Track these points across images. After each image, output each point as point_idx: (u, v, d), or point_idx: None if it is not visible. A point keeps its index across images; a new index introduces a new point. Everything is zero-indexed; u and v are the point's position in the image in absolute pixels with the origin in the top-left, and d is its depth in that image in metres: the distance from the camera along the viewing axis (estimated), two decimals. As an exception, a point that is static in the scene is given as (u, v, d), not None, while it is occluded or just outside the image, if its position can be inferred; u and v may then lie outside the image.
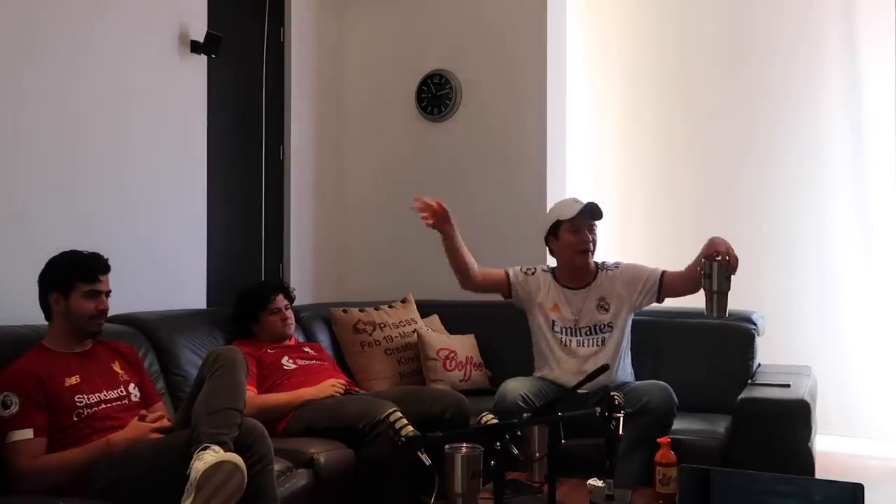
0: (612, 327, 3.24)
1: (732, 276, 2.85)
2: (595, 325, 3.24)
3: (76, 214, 3.18)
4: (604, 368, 2.55)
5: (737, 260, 2.85)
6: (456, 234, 3.21)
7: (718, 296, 2.84)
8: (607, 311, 3.25)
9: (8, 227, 2.94)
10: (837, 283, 4.73)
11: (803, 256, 4.79)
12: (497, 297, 3.42)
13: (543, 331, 3.30)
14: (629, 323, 3.31)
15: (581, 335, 3.24)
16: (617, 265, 3.35)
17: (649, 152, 5.14)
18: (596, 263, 3.34)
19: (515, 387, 3.06)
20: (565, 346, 3.24)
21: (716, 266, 2.84)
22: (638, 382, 3.17)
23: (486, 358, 3.91)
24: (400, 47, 4.69)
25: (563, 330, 3.26)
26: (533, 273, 3.36)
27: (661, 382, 3.03)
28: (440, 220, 3.15)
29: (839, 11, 4.74)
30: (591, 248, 3.28)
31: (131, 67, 3.43)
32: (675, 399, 2.97)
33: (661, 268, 3.28)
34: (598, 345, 3.22)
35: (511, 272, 3.37)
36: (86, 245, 2.60)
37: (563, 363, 3.22)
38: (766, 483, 1.99)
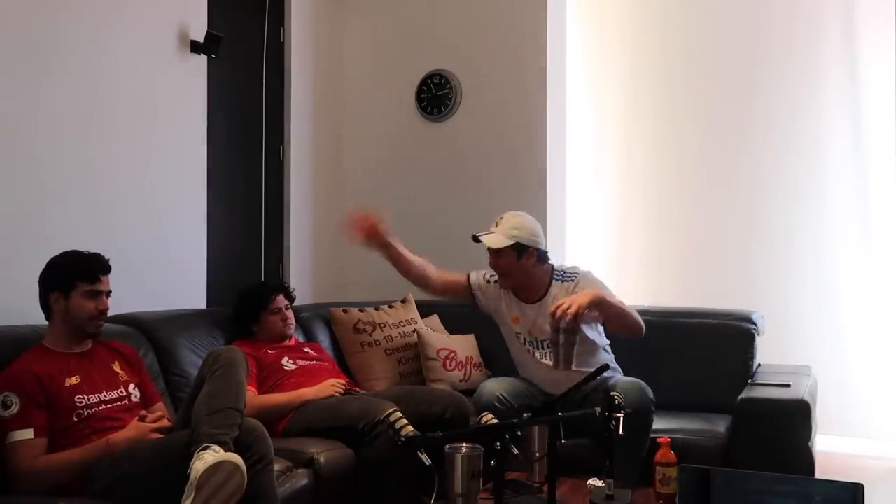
0: None
1: (573, 335, 2.78)
2: (548, 339, 3.06)
3: (75, 214, 3.18)
4: (604, 368, 2.56)
5: (564, 315, 2.76)
6: (396, 246, 3.22)
7: (554, 347, 2.83)
8: None
9: (7, 227, 2.94)
10: (837, 283, 4.73)
11: (803, 256, 4.79)
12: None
13: (512, 339, 3.29)
14: (592, 328, 3.18)
15: (543, 347, 3.17)
16: (575, 277, 3.19)
17: (649, 152, 5.13)
18: (552, 272, 3.23)
19: (493, 387, 3.07)
20: (532, 356, 3.22)
21: (557, 325, 2.80)
22: (614, 380, 3.08)
23: (486, 358, 3.91)
24: (400, 47, 4.69)
25: (527, 342, 3.23)
26: (496, 281, 3.29)
27: (636, 380, 3.00)
28: (374, 235, 3.17)
29: (839, 9, 4.73)
30: (501, 273, 3.18)
31: (131, 67, 3.43)
32: (651, 396, 2.95)
33: (621, 298, 3.11)
34: None
35: (473, 277, 3.32)
36: (85, 245, 2.60)
37: (536, 370, 3.21)
38: (766, 483, 1.99)
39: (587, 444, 2.71)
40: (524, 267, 3.14)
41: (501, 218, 3.18)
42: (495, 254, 3.14)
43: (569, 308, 2.77)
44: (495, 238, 3.12)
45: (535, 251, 3.15)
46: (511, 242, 3.10)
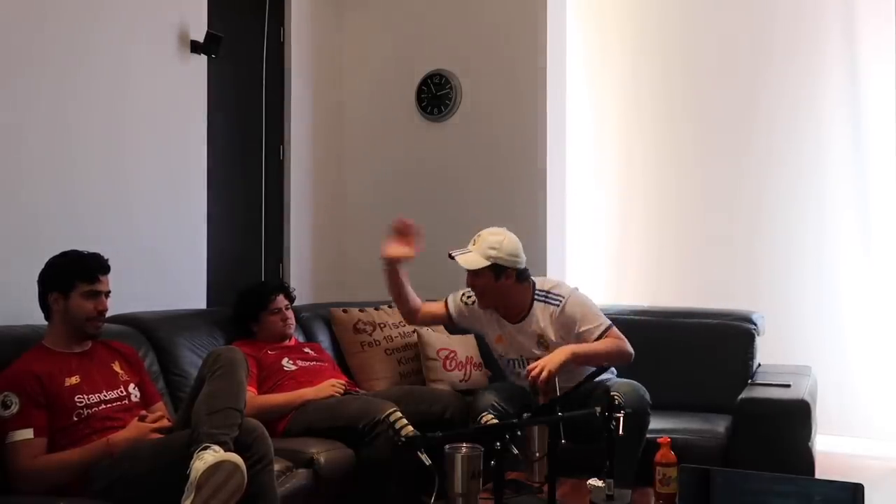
0: None
1: (552, 390, 2.87)
2: (535, 359, 3.04)
3: (76, 214, 3.18)
4: (604, 368, 2.56)
5: (537, 378, 2.86)
6: (403, 271, 3.23)
7: (535, 399, 2.95)
8: (547, 348, 3.08)
9: (8, 227, 2.94)
10: (837, 283, 4.73)
11: (803, 256, 4.78)
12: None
13: (498, 356, 3.30)
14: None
15: (528, 364, 3.09)
16: (560, 300, 3.10)
17: (649, 152, 5.13)
18: (533, 290, 3.15)
19: (488, 398, 3.05)
20: (518, 373, 3.20)
21: (534, 386, 2.92)
22: (610, 381, 3.06)
23: (485, 358, 3.89)
24: (400, 47, 4.69)
25: (511, 361, 3.22)
26: (474, 302, 3.24)
27: (632, 381, 2.99)
28: (405, 253, 3.16)
29: (839, 9, 4.73)
30: (478, 294, 3.15)
31: (131, 67, 3.43)
32: (648, 397, 2.95)
33: (608, 323, 3.08)
34: None
35: (451, 304, 3.30)
36: (86, 245, 2.60)
37: (522, 381, 3.17)
38: (766, 483, 1.99)
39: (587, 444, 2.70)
40: (502, 287, 3.07)
41: (479, 236, 3.09)
42: (472, 274, 3.08)
43: (541, 372, 2.85)
44: (471, 258, 3.04)
45: (514, 271, 3.07)
46: (487, 263, 3.02)
